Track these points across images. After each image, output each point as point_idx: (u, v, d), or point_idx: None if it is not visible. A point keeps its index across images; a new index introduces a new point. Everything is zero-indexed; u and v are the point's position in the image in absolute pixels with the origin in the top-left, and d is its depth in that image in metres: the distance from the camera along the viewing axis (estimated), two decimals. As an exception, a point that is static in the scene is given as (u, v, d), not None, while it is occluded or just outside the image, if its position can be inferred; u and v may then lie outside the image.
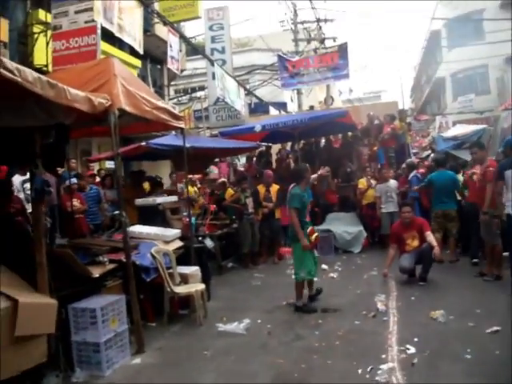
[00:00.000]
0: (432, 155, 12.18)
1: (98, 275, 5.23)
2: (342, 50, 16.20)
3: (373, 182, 11.17)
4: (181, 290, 6.22)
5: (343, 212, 11.50)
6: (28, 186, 6.57)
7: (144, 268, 5.94)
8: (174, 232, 7.27)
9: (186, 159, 7.57)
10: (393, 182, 10.72)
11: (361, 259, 9.93)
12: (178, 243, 7.13)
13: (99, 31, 9.11)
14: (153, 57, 17.71)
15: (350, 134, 13.72)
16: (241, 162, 16.22)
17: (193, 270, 6.78)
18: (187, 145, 7.76)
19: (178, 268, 6.55)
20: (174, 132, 9.96)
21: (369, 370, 4.45)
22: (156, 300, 6.20)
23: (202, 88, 24.67)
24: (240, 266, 9.94)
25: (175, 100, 23.62)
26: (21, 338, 4.03)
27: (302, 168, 7.22)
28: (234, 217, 10.03)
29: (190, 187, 9.31)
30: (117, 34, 9.40)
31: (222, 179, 12.35)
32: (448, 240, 8.97)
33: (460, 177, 9.18)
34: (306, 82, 17.02)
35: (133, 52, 12.47)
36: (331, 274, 8.56)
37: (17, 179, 7.81)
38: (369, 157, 12.97)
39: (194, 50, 18.08)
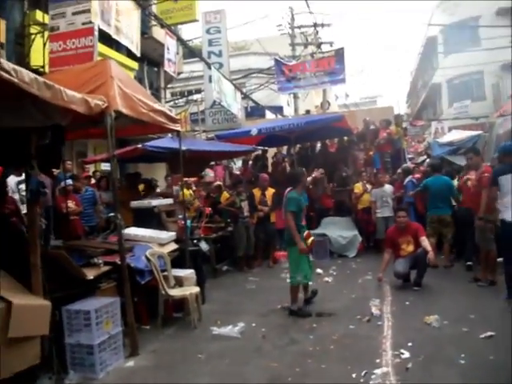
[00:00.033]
0: (427, 160, 12.21)
1: (92, 277, 5.22)
2: (339, 54, 16.25)
3: (368, 186, 11.19)
4: (175, 292, 6.21)
5: (338, 216, 11.51)
6: (23, 186, 6.55)
7: (139, 270, 5.93)
8: (169, 235, 7.26)
9: (181, 162, 7.57)
10: (388, 187, 10.75)
11: (356, 264, 9.94)
12: (173, 246, 7.12)
13: (96, 33, 9.12)
14: (150, 59, 17.71)
15: (345, 138, 13.75)
16: (237, 165, 16.22)
17: (187, 272, 6.77)
18: (183, 147, 7.75)
19: (173, 271, 6.54)
20: (170, 134, 9.95)
21: (363, 374, 4.45)
22: (150, 303, 6.18)
23: (198, 91, 24.65)
24: (235, 269, 9.94)
25: (172, 103, 23.60)
26: (14, 339, 4.01)
27: (299, 172, 7.28)
28: (228, 220, 10.03)
29: (185, 190, 9.29)
30: (114, 36, 9.40)
31: (218, 182, 12.35)
32: (443, 245, 8.99)
33: (455, 182, 9.20)
34: (303, 86, 17.06)
35: (130, 54, 12.45)
36: (326, 279, 8.56)
37: (12, 180, 7.78)
38: (364, 161, 13.01)
39: (191, 52, 18.13)
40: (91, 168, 12.34)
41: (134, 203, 8.58)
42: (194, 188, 11.80)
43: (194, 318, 6.17)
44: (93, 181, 10.75)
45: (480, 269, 7.77)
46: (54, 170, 7.05)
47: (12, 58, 9.87)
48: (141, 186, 10.90)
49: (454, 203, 8.98)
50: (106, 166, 13.09)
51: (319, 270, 8.87)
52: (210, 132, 18.73)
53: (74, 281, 5.07)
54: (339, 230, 10.94)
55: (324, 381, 4.46)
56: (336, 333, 5.69)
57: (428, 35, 33.55)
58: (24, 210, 6.02)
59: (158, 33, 14.87)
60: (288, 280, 6.84)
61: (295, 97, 23.38)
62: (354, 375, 4.46)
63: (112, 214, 7.14)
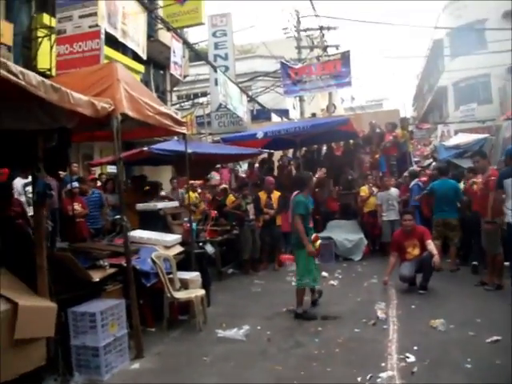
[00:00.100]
0: (433, 164, 12.19)
1: (98, 279, 5.23)
2: (345, 57, 16.23)
3: (374, 189, 11.17)
4: (181, 295, 6.21)
5: (344, 219, 11.50)
6: (30, 189, 6.58)
7: (144, 273, 5.94)
8: (175, 237, 7.27)
9: (187, 165, 7.58)
10: (394, 190, 10.73)
11: (361, 267, 9.92)
12: (179, 248, 7.13)
13: (103, 36, 9.16)
14: (156, 62, 17.77)
15: (351, 141, 13.75)
16: (242, 168, 16.23)
17: (193, 275, 6.77)
18: (189, 150, 7.77)
19: (178, 273, 6.54)
20: (176, 137, 9.97)
21: (368, 378, 4.43)
22: (156, 305, 6.19)
23: (204, 94, 24.72)
24: (240, 272, 9.94)
25: (178, 105, 23.66)
26: (20, 341, 4.03)
27: (306, 176, 7.33)
28: (234, 223, 10.03)
29: (190, 193, 9.30)
30: (120, 39, 9.44)
31: (224, 185, 12.36)
32: (449, 249, 8.96)
33: (461, 185, 9.18)
34: (309, 89, 17.05)
35: (136, 57, 12.51)
36: (331, 282, 8.55)
37: (18, 182, 7.82)
38: (370, 165, 12.99)
39: (197, 55, 18.19)
40: (97, 170, 12.38)
41: (140, 206, 8.60)
42: (199, 191, 11.80)
43: (199, 320, 6.16)
44: (99, 183, 10.78)
45: (486, 272, 7.74)
46: (60, 172, 7.08)
47: (19, 61, 9.94)
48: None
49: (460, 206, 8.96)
50: (112, 169, 13.14)
51: (325, 274, 8.85)
52: (216, 135, 18.75)
53: (80, 283, 5.08)
54: (345, 233, 10.92)
55: (329, 384, 4.45)
56: (341, 336, 5.67)
57: (434, 38, 33.50)
58: (30, 212, 6.05)
59: (164, 36, 14.94)
60: (293, 283, 6.82)
61: (301, 100, 23.39)
62: (359, 379, 4.44)
63: (118, 217, 7.16)
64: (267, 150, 13.26)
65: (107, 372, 4.75)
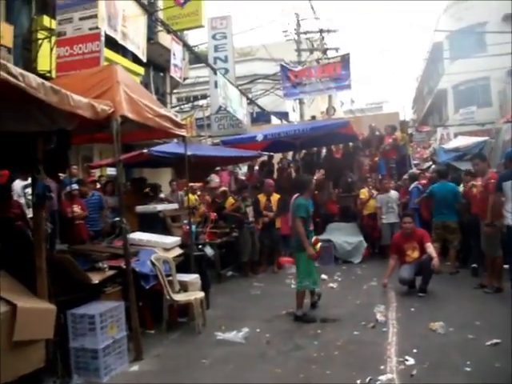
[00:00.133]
0: (433, 166, 12.19)
1: (97, 281, 5.23)
2: (345, 60, 16.23)
3: (374, 192, 11.18)
4: (180, 297, 6.21)
5: (344, 222, 11.50)
6: (29, 191, 6.58)
7: (143, 275, 5.93)
8: (174, 239, 7.26)
9: (187, 167, 7.59)
10: (394, 193, 10.74)
11: (361, 269, 9.92)
12: (178, 251, 7.12)
13: (103, 38, 9.16)
14: (156, 64, 17.79)
15: (351, 144, 13.75)
16: (242, 170, 16.22)
17: (192, 277, 6.78)
18: (189, 153, 7.77)
19: (178, 276, 6.54)
20: (175, 140, 9.97)
21: (367, 380, 4.43)
22: (155, 307, 6.18)
23: (204, 96, 24.70)
24: (239, 274, 9.94)
25: (177, 108, 23.67)
26: (19, 342, 4.02)
27: (306, 179, 7.37)
28: (233, 225, 10.03)
29: (190, 195, 9.30)
30: (120, 42, 9.44)
31: (223, 188, 12.36)
32: (448, 251, 8.97)
33: (461, 188, 9.19)
34: (308, 92, 17.05)
35: (136, 59, 12.51)
36: (331, 284, 8.55)
37: (18, 184, 7.82)
38: (370, 167, 13.02)
39: (196, 58, 18.18)
40: (97, 172, 12.37)
41: (140, 208, 8.60)
42: (198, 193, 11.79)
43: (198, 323, 6.16)
44: (98, 185, 10.77)
45: (486, 275, 7.74)
46: (59, 174, 7.07)
47: (19, 63, 9.95)
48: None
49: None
50: (111, 171, 13.15)
51: (324, 276, 8.84)
52: (216, 137, 18.75)
53: (79, 285, 5.08)
54: (344, 236, 10.92)
55: (328, 387, 4.45)
56: (340, 339, 5.67)
57: (434, 41, 33.54)
58: (30, 214, 6.04)
59: (164, 38, 14.94)
60: (293, 286, 6.81)
61: (301, 102, 23.40)
62: (358, 381, 4.44)
63: (117, 219, 7.16)
64: (267, 153, 13.26)
65: (106, 374, 4.74)
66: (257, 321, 6.54)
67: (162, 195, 11.35)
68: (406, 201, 10.70)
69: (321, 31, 22.96)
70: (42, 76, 8.26)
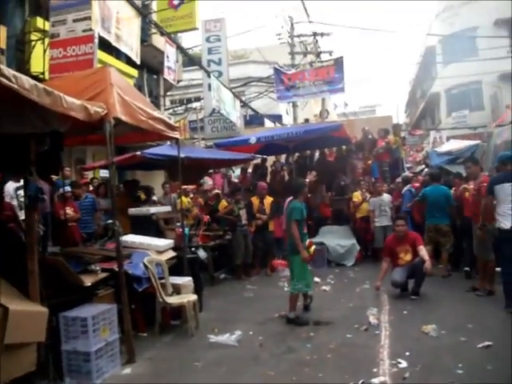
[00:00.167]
0: (426, 170, 12.25)
1: (89, 284, 5.21)
2: (338, 63, 16.27)
3: (367, 195, 11.21)
4: (173, 300, 6.19)
5: (337, 225, 11.54)
6: (21, 192, 6.55)
7: (136, 278, 5.92)
8: (167, 242, 7.25)
9: (180, 169, 7.58)
10: (386, 196, 10.77)
11: (353, 272, 9.93)
12: (171, 253, 7.11)
13: (96, 40, 9.13)
14: (149, 67, 17.76)
15: (344, 147, 13.78)
16: (235, 173, 16.23)
17: (185, 280, 6.76)
18: (182, 155, 7.77)
19: (171, 278, 6.53)
20: (169, 142, 9.96)
21: (360, 383, 4.43)
22: (148, 310, 6.17)
23: (197, 99, 24.71)
24: (233, 277, 9.93)
25: (171, 110, 23.66)
26: (10, 345, 4.00)
27: (300, 182, 7.42)
28: (227, 228, 10.02)
29: (183, 198, 9.29)
30: (114, 44, 9.41)
31: (216, 190, 12.36)
32: (441, 254, 9.00)
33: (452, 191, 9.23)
34: (302, 95, 17.08)
35: (129, 61, 12.49)
36: (324, 287, 8.56)
37: (10, 186, 7.78)
38: (363, 170, 13.04)
39: (190, 60, 18.15)
40: (90, 175, 12.34)
41: (132, 210, 8.58)
42: (191, 195, 11.78)
43: (191, 325, 6.15)
44: (91, 188, 10.74)
45: (478, 278, 7.78)
46: (52, 176, 7.04)
47: (12, 65, 9.90)
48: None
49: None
50: (104, 173, 13.11)
51: (317, 279, 8.86)
52: (209, 140, 18.76)
53: (72, 287, 5.06)
54: (337, 239, 10.94)
55: (321, 390, 4.45)
56: (333, 341, 5.67)
57: (427, 45, 33.70)
58: (22, 216, 6.02)
59: (158, 40, 14.92)
60: (286, 289, 6.81)
61: (294, 105, 23.43)
62: (351, 384, 4.45)
63: (110, 221, 7.14)
64: (260, 156, 13.27)
65: (98, 377, 4.73)
66: (250, 323, 6.53)
67: (154, 198, 11.33)
68: (398, 204, 10.73)
69: (314, 34, 23.00)
70: (36, 78, 8.22)
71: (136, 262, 6.11)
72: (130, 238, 6.94)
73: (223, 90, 14.31)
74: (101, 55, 10.47)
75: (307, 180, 11.21)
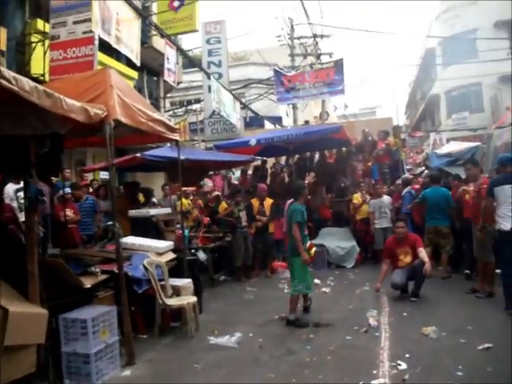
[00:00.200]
0: (426, 171, 12.25)
1: (89, 286, 5.21)
2: (338, 65, 16.25)
3: (367, 197, 11.21)
4: (172, 302, 6.19)
5: (337, 227, 11.53)
6: (21, 194, 6.55)
7: (136, 279, 5.92)
8: (167, 244, 7.25)
9: (180, 171, 7.58)
10: (386, 198, 10.77)
11: (353, 274, 9.93)
12: (171, 255, 7.11)
13: (97, 42, 9.13)
14: (149, 69, 17.77)
15: (344, 149, 13.78)
16: (235, 175, 16.23)
17: (185, 282, 6.76)
18: (182, 157, 7.77)
19: (171, 280, 6.52)
20: (168, 144, 9.96)
21: (360, 385, 4.43)
22: (147, 312, 6.16)
23: (197, 101, 24.72)
24: (232, 279, 9.93)
25: (171, 112, 23.66)
26: (10, 347, 4.00)
27: (300, 185, 7.48)
28: (227, 230, 10.02)
29: (183, 199, 9.29)
30: (114, 46, 9.42)
31: (216, 192, 12.36)
32: (441, 256, 9.00)
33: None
34: (302, 96, 17.06)
35: (130, 63, 12.49)
36: (324, 289, 8.55)
37: (10, 188, 7.77)
38: (363, 172, 13.05)
39: (190, 62, 18.16)
40: (90, 176, 12.34)
41: (132, 212, 8.59)
42: (191, 197, 11.79)
43: (190, 327, 6.15)
44: (90, 189, 10.74)
45: (478, 280, 7.78)
46: (52, 178, 7.05)
47: (12, 66, 9.91)
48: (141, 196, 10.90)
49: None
50: (104, 175, 13.10)
51: (317, 281, 8.84)
52: (209, 142, 18.75)
53: (71, 289, 5.06)
54: (337, 241, 10.94)
55: (321, 392, 4.45)
56: (333, 343, 5.67)
57: (427, 47, 33.73)
58: (22, 217, 6.02)
59: (158, 42, 14.95)
60: (286, 290, 6.81)
61: (294, 107, 23.43)
62: (350, 386, 4.45)
63: (110, 223, 7.14)
64: (260, 157, 13.28)
65: (98, 379, 4.72)
66: (249, 325, 6.53)
67: (154, 199, 11.34)
68: (398, 206, 10.73)
69: (314, 36, 23.01)
70: (36, 79, 8.24)
71: (136, 264, 6.12)
72: (130, 240, 6.94)
73: (223, 91, 14.31)
74: (101, 57, 10.47)
75: (306, 181, 11.19)
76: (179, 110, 25.48)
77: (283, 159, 14.53)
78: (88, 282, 5.23)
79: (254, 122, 22.92)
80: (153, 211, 8.84)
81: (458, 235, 8.83)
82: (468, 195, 8.31)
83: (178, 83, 16.99)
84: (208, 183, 13.94)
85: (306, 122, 21.53)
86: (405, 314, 6.82)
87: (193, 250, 8.33)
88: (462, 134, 24.17)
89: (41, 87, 4.00)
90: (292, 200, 6.90)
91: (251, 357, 5.41)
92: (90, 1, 8.80)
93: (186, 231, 8.26)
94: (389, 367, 4.86)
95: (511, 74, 23.33)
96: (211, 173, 13.95)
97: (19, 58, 10.81)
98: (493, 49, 22.71)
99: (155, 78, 19.34)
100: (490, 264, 7.34)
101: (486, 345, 5.22)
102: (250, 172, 14.30)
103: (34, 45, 10.72)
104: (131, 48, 9.95)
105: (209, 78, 14.92)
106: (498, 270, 7.18)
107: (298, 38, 23.85)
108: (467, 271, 8.51)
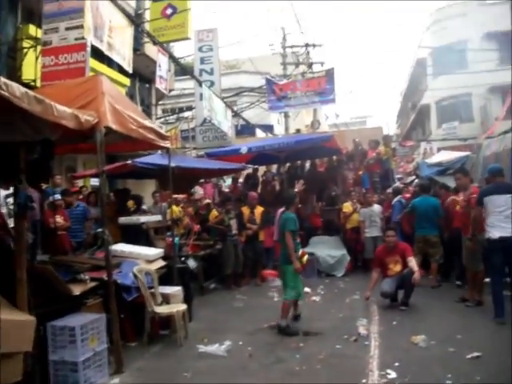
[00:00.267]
0: (416, 181, 12.30)
1: (78, 293, 5.17)
2: (329, 75, 16.40)
3: (357, 206, 11.24)
4: (162, 310, 6.17)
5: (327, 235, 11.52)
6: (11, 200, 6.51)
7: (125, 287, 5.90)
8: (157, 251, 7.23)
9: (171, 178, 7.57)
10: (377, 207, 10.81)
11: (344, 283, 9.93)
12: (161, 263, 7.09)
13: (89, 49, 9.13)
14: (141, 76, 17.77)
15: (335, 158, 13.82)
16: (226, 183, 16.22)
17: (175, 290, 6.74)
18: (173, 164, 7.76)
19: (160, 288, 6.50)
20: (160, 151, 9.95)
21: (349, 394, 4.43)
22: (137, 319, 6.14)
23: (189, 108, 24.72)
24: (222, 287, 9.89)
25: (162, 119, 23.64)
26: (-3, 355, 3.95)
27: (292, 194, 7.55)
28: (217, 238, 10.00)
29: (174, 207, 9.27)
30: (106, 53, 9.42)
31: (207, 200, 12.34)
32: (430, 265, 9.03)
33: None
34: (293, 105, 17.17)
35: (122, 70, 12.48)
36: (314, 298, 8.55)
37: (0, 193, 7.73)
38: (353, 181, 13.08)
39: (182, 70, 18.20)
40: (80, 183, 12.28)
41: (123, 219, 8.56)
42: (182, 205, 11.76)
43: (180, 335, 6.12)
44: (80, 196, 10.68)
45: (467, 289, 7.81)
46: (42, 184, 7.01)
47: (4, 72, 9.88)
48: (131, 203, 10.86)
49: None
50: (94, 182, 13.03)
51: (307, 289, 8.80)
52: (200, 149, 18.75)
53: (60, 296, 5.02)
54: (328, 249, 10.93)
55: (310, 400, 4.44)
56: (323, 352, 5.67)
57: (418, 57, 33.99)
58: (11, 223, 5.97)
59: (151, 50, 14.94)
60: (276, 299, 6.80)
61: (286, 116, 23.54)
62: (340, 395, 4.44)
63: (100, 230, 7.11)
64: (251, 166, 13.28)
65: (86, 387, 4.68)
66: (239, 333, 6.52)
67: (144, 207, 11.29)
68: (389, 215, 10.76)
69: (306, 45, 23.16)
70: (27, 85, 8.20)
71: (125, 272, 6.09)
72: (120, 247, 6.92)
73: (215, 99, 14.35)
74: (93, 63, 10.46)
75: (296, 190, 11.21)
76: (171, 117, 25.48)
77: (274, 167, 14.54)
78: (77, 290, 5.19)
79: (246, 130, 22.98)
80: (143, 218, 8.81)
81: (447, 244, 8.87)
82: (458, 206, 8.36)
83: (170, 90, 17.04)
84: (199, 191, 13.91)
85: (298, 131, 21.66)
86: (394, 322, 6.83)
87: (183, 258, 8.29)
88: (452, 143, 24.29)
89: (31, 93, 3.98)
90: (284, 209, 6.94)
91: (241, 365, 5.40)
92: (82, 7, 8.80)
93: (177, 239, 8.24)
94: (378, 376, 4.85)
95: (500, 85, 23.55)
96: (202, 180, 13.92)
97: (10, 64, 10.77)
98: (482, 60, 22.93)
99: (147, 85, 19.33)
100: (480, 273, 7.38)
101: (475, 353, 5.24)
102: (241, 180, 14.29)
103: (25, 50, 10.69)
104: (123, 55, 9.96)
105: (200, 85, 14.97)
106: (487, 279, 7.22)
107: (290, 47, 24.01)
108: (458, 282, 8.54)
